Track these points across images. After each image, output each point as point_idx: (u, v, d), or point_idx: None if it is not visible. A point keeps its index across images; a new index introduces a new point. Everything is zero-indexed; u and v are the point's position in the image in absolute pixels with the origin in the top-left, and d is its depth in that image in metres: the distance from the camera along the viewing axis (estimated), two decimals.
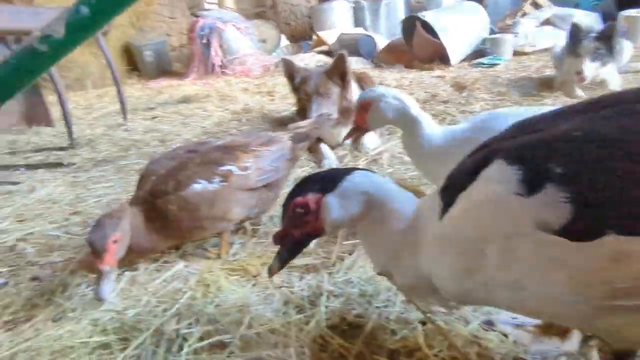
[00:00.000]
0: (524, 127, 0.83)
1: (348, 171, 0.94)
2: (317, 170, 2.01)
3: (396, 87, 4.17)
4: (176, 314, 1.17)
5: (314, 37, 6.59)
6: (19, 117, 3.78)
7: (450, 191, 0.80)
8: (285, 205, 0.94)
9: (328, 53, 6.11)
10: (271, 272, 0.97)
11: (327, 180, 0.92)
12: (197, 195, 1.38)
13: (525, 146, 0.73)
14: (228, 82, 5.37)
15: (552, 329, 1.08)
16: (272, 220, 1.75)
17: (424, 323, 1.13)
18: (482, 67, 4.87)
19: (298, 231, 0.92)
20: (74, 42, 1.10)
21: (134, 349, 1.07)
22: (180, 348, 1.05)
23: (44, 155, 3.06)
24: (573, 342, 1.03)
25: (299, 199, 0.91)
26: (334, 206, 0.90)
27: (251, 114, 3.67)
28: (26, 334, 1.16)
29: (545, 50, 4.96)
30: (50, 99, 3.97)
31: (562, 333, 1.06)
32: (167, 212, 1.36)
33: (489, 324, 1.13)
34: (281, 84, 4.89)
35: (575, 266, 0.64)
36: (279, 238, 0.95)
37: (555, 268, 0.65)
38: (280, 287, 1.35)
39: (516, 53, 5.37)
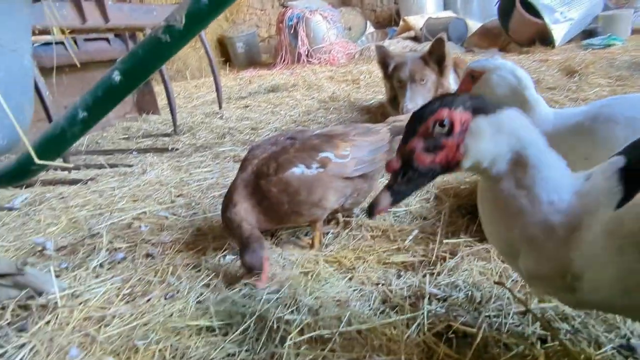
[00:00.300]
0: None
1: (501, 105, 0.75)
2: None
3: None
4: (277, 302, 1.17)
5: (401, 22, 6.36)
6: (131, 105, 4.14)
7: (636, 175, 0.66)
8: (420, 117, 0.74)
9: (415, 39, 5.87)
10: (377, 209, 0.75)
11: (480, 102, 0.74)
12: (296, 179, 1.40)
13: None
14: (314, 70, 5.40)
15: None
16: (365, 212, 1.70)
17: (544, 340, 1.00)
18: (594, 49, 4.34)
19: (429, 157, 0.73)
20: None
21: (239, 334, 1.08)
22: (283, 340, 1.04)
23: (152, 141, 3.32)
24: None
25: (445, 111, 0.72)
26: (486, 134, 0.72)
27: (338, 102, 3.64)
28: (142, 308, 1.24)
29: None
30: (157, 89, 4.30)
31: None
32: (269, 194, 1.40)
33: (629, 350, 0.97)
34: (366, 71, 4.81)
35: None
36: (397, 163, 0.74)
37: None
38: (378, 284, 1.29)
39: (636, 31, 4.70)
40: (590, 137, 1.16)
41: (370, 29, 6.81)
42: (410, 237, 1.51)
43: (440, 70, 2.49)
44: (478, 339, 1.01)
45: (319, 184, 1.42)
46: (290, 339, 1.03)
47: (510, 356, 0.98)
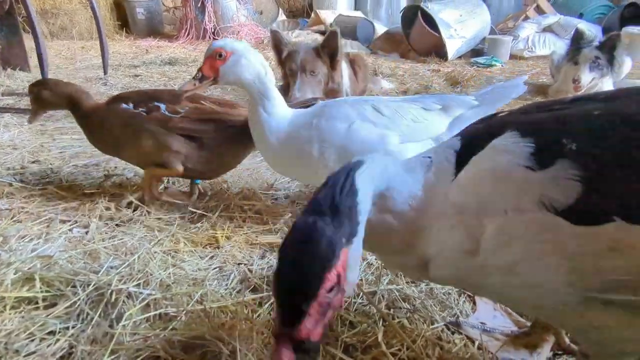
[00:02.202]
0: (539, 107, 0.77)
1: (348, 178, 0.65)
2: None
3: (390, 75, 4.07)
4: (122, 273, 1.07)
5: (312, 15, 6.40)
6: None
7: (464, 158, 0.71)
8: (305, 296, 0.56)
9: (324, 33, 5.95)
10: None
11: (345, 224, 0.60)
12: (118, 112, 1.50)
13: (544, 120, 0.69)
14: None
15: (522, 340, 1.02)
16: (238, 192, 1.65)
17: (385, 319, 1.06)
18: (479, 66, 4.81)
19: (321, 325, 0.59)
20: None
21: (66, 307, 0.96)
22: (120, 317, 0.94)
23: (14, 100, 2.88)
24: (542, 357, 0.97)
25: (333, 272, 0.57)
26: (358, 252, 0.64)
27: None
28: None
29: (543, 57, 4.92)
30: (32, 44, 3.74)
31: (532, 346, 1.00)
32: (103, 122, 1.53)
33: (456, 325, 1.06)
34: (272, 58, 4.73)
35: (572, 252, 0.59)
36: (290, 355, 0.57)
37: (551, 252, 0.61)
38: (240, 264, 1.25)
39: (513, 56, 5.32)
40: (317, 132, 1.31)
41: (282, 16, 6.74)
42: (283, 220, 1.50)
43: (332, 64, 2.50)
44: None
45: (136, 124, 1.47)
46: (129, 317, 0.95)
47: (353, 333, 1.01)
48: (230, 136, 1.52)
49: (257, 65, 1.30)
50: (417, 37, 5.27)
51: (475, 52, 5.41)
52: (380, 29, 5.93)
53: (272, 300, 1.09)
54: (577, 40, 2.99)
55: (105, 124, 1.53)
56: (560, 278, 0.61)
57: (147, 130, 1.47)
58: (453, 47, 5.04)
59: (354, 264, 0.62)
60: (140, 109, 1.49)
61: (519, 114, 0.76)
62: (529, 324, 1.06)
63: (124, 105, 1.51)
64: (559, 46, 4.81)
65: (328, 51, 2.47)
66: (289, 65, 2.50)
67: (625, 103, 0.68)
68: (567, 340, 0.99)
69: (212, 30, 5.66)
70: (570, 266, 0.60)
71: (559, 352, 0.98)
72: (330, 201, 0.61)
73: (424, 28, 5.08)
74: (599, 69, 2.90)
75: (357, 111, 1.33)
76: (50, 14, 5.71)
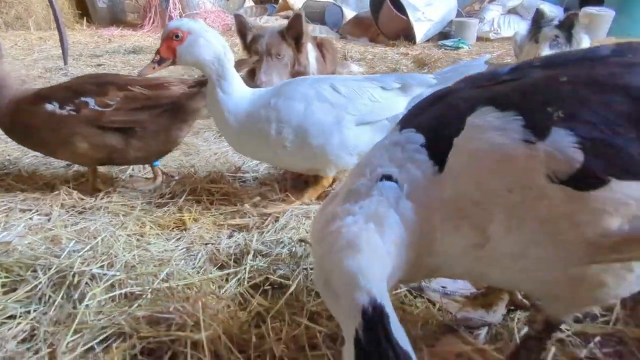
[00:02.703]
0: (479, 81, 0.74)
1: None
2: None
3: (359, 60, 4.09)
4: (85, 256, 1.06)
5: (280, 1, 6.33)
6: None
7: (439, 147, 0.66)
8: None
9: None
10: None
11: None
12: (44, 116, 1.39)
13: (510, 92, 0.66)
14: None
15: (479, 301, 1.07)
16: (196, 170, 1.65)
17: None
18: (446, 49, 4.88)
19: None
20: None
21: (27, 292, 0.95)
22: (84, 297, 0.94)
23: None
24: (497, 314, 1.02)
25: None
26: None
27: None
28: None
29: (508, 39, 5.03)
30: None
31: (488, 305, 1.05)
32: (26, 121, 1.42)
33: (418, 290, 1.11)
34: (240, 44, 4.67)
35: (581, 220, 0.58)
36: None
37: (564, 225, 0.59)
38: (207, 244, 1.26)
39: (480, 38, 5.41)
40: (274, 111, 1.32)
41: (250, 2, 6.63)
42: (251, 202, 1.50)
43: (298, 47, 2.48)
44: (291, 289, 1.05)
45: (67, 128, 1.39)
46: (92, 297, 0.94)
47: (320, 302, 1.04)
48: (168, 117, 1.47)
49: (216, 45, 1.29)
50: (385, 21, 5.29)
51: (443, 35, 5.48)
52: (349, 13, 5.92)
53: (239, 276, 1.11)
54: (538, 20, 3.08)
55: (30, 127, 1.41)
56: (572, 250, 0.60)
57: (80, 134, 1.39)
58: (421, 30, 5.09)
59: None
60: (68, 108, 1.39)
61: (475, 89, 0.72)
62: (485, 285, 1.11)
63: (49, 106, 1.38)
64: (522, 27, 4.91)
65: (293, 34, 2.45)
66: (255, 49, 2.48)
67: (574, 68, 0.68)
68: (519, 296, 1.05)
69: (178, 17, 5.52)
70: (581, 236, 0.59)
71: (512, 308, 1.03)
72: None
73: (392, 12, 5.11)
74: (559, 47, 2.99)
75: (315, 90, 1.34)
76: (3, 3, 5.44)
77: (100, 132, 1.41)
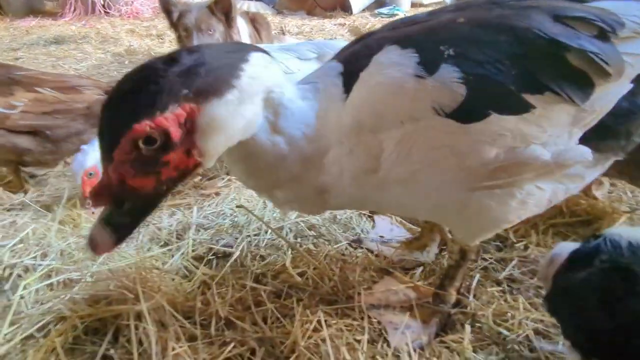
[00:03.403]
0: (397, 24, 0.80)
1: (239, 52, 0.59)
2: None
3: (297, 33, 4.06)
4: (14, 249, 1.03)
5: None
6: None
7: (349, 78, 0.70)
8: (108, 137, 0.52)
9: None
10: (98, 250, 0.58)
11: (204, 75, 0.53)
12: None
13: (416, 32, 0.71)
14: (112, 23, 4.79)
15: (414, 244, 1.14)
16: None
17: (293, 248, 1.13)
18: (382, 17, 4.94)
19: (149, 179, 0.55)
20: None
21: None
22: (16, 288, 0.92)
23: None
24: (430, 254, 1.10)
25: (144, 124, 0.50)
26: (227, 119, 0.55)
27: (136, 56, 3.33)
28: None
29: (443, 2, 5.16)
30: None
31: (422, 247, 1.12)
32: None
33: (357, 242, 1.16)
34: (169, 28, 4.49)
35: (463, 150, 0.65)
36: (102, 194, 0.55)
37: (446, 155, 0.65)
38: (147, 225, 1.25)
39: (414, 4, 5.51)
40: None
41: None
42: (193, 182, 1.50)
43: (228, 22, 2.42)
44: (235, 256, 1.08)
45: None
46: (27, 286, 0.92)
47: (264, 264, 1.07)
48: (82, 122, 1.40)
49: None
50: None
51: (379, 3, 5.52)
52: None
53: (182, 250, 1.11)
54: None
55: None
56: (454, 177, 0.67)
57: None
58: (356, 0, 5.10)
59: (212, 130, 0.54)
60: None
61: (390, 31, 0.77)
62: (419, 230, 1.19)
63: None
64: None
65: (221, 8, 2.39)
66: (184, 26, 2.40)
67: (475, 11, 0.73)
68: (449, 235, 1.13)
69: (102, 2, 5.20)
70: (462, 164, 0.65)
71: (444, 247, 1.11)
72: (197, 53, 0.54)
73: None
74: None
75: None
76: None
77: (6, 134, 1.31)
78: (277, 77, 0.65)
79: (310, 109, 0.69)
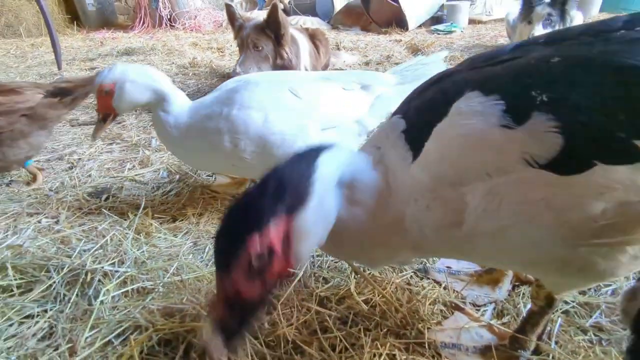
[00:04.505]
0: (477, 62, 0.74)
1: (310, 156, 0.65)
2: None
3: (352, 49, 4.08)
4: (95, 255, 1.08)
5: None
6: None
7: (417, 133, 0.67)
8: (228, 255, 0.60)
9: (284, 12, 5.88)
10: (216, 354, 0.63)
11: (291, 191, 0.61)
12: None
13: (501, 74, 0.65)
14: (177, 36, 5.06)
15: (484, 278, 1.09)
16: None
17: (357, 272, 1.11)
18: (439, 34, 4.87)
19: (257, 286, 0.61)
20: None
21: (42, 291, 0.97)
22: (98, 294, 0.96)
23: None
24: (503, 291, 1.04)
25: (255, 240, 0.58)
26: (315, 223, 0.63)
27: (199, 68, 3.48)
28: None
29: (502, 20, 5.02)
30: None
31: (494, 282, 1.07)
32: None
33: (423, 272, 1.13)
34: (233, 40, 4.67)
35: (562, 204, 0.58)
36: (222, 309, 0.62)
37: (541, 209, 0.59)
38: (213, 237, 1.28)
39: (472, 21, 5.40)
40: (227, 122, 1.21)
41: None
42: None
43: (278, 39, 2.40)
44: (299, 277, 1.07)
45: None
46: (107, 293, 0.97)
47: (327, 287, 1.06)
48: (26, 124, 1.43)
49: (143, 81, 1.23)
50: (376, 8, 5.27)
51: (435, 19, 5.47)
52: (340, 3, 5.90)
53: None
54: (529, 0, 3.07)
55: None
56: (552, 233, 0.60)
57: None
58: (413, 16, 5.07)
59: (304, 235, 0.61)
60: None
61: (469, 71, 0.72)
62: None
63: None
64: (515, 7, 4.91)
65: (272, 26, 2.38)
66: (238, 40, 2.47)
67: (573, 46, 0.66)
68: (530, 277, 1.07)
69: (169, 17, 5.50)
70: (561, 219, 0.59)
71: (517, 284, 1.05)
72: (277, 174, 0.61)
73: None
74: (552, 26, 2.98)
75: (273, 97, 1.24)
76: None
77: None
78: (345, 160, 0.68)
79: (382, 175, 0.69)
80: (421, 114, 0.69)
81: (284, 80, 1.30)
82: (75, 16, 6.17)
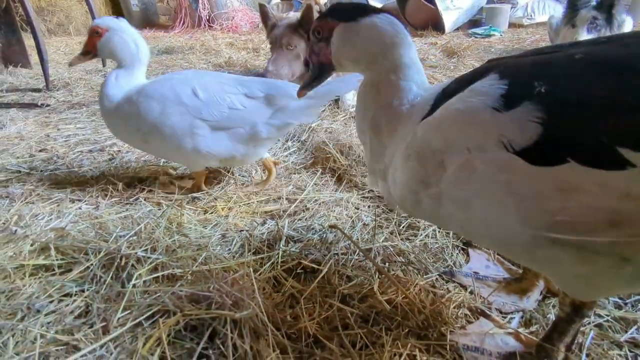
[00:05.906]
0: (536, 51, 0.76)
1: (377, 10, 0.85)
2: None
3: None
4: (130, 241, 1.13)
5: None
6: None
7: (443, 98, 0.74)
8: (319, 15, 0.89)
9: (319, 13, 5.91)
10: (301, 89, 0.93)
11: (348, 9, 0.83)
12: None
13: (527, 64, 0.68)
14: (214, 36, 5.19)
15: (513, 287, 1.06)
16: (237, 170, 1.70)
17: (382, 272, 1.11)
18: (477, 37, 4.77)
19: (316, 56, 0.89)
20: None
21: (81, 272, 1.03)
22: (130, 278, 1.01)
23: (17, 96, 2.95)
24: (532, 300, 1.02)
25: (317, 21, 0.86)
26: (346, 39, 0.83)
27: (234, 67, 3.55)
28: None
29: (543, 24, 4.86)
30: (32, 42, 3.80)
31: (522, 291, 1.04)
32: None
33: (449, 275, 1.11)
34: (266, 39, 4.74)
35: (524, 191, 0.61)
36: (307, 57, 0.92)
37: (505, 191, 0.62)
38: (241, 230, 1.31)
39: (512, 25, 5.26)
40: (135, 108, 1.35)
41: None
42: (284, 190, 1.55)
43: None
44: (323, 273, 1.09)
45: None
46: (139, 277, 1.01)
47: (350, 285, 1.06)
48: None
49: (129, 41, 1.40)
50: (413, 11, 5.22)
51: (473, 22, 5.36)
52: (376, 5, 5.88)
53: (272, 260, 1.15)
54: (574, 2, 2.95)
55: None
56: (512, 216, 0.62)
57: None
58: (450, 18, 4.99)
59: (338, 39, 0.84)
60: None
61: (513, 58, 0.75)
62: (520, 271, 1.11)
63: None
64: (558, 11, 4.74)
65: (306, 25, 2.41)
66: (271, 38, 2.51)
67: (610, 47, 0.64)
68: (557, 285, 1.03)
69: (207, 17, 5.66)
70: (519, 205, 0.61)
71: (548, 295, 1.02)
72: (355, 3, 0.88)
73: (419, 1, 5.04)
74: (597, 30, 2.85)
75: (175, 92, 1.35)
76: (46, 12, 5.75)
77: None
78: (397, 44, 0.83)
79: (409, 108, 0.82)
80: (451, 87, 0.76)
81: (194, 79, 1.40)
82: (120, 16, 6.45)
